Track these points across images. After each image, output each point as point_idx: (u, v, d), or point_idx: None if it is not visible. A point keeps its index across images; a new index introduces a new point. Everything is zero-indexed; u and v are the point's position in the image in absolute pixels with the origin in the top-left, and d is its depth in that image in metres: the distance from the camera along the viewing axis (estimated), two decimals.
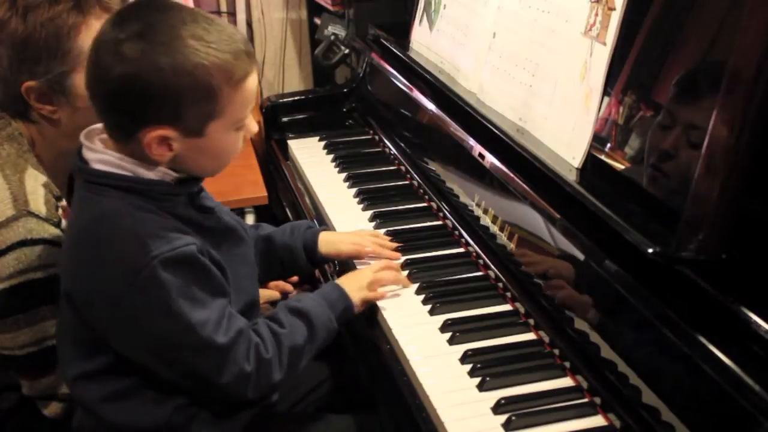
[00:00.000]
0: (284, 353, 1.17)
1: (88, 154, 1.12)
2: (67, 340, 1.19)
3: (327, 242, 1.45)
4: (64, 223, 1.28)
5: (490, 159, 1.41)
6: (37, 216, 1.24)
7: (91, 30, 1.23)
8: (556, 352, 1.19)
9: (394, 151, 1.91)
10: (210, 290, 1.10)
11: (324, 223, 1.67)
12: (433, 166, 1.71)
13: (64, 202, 1.31)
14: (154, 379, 1.15)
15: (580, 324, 1.14)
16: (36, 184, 1.27)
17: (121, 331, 1.10)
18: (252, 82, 1.11)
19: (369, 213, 1.65)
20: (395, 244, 1.49)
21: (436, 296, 1.33)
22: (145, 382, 1.15)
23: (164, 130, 1.06)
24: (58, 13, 1.23)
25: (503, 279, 1.35)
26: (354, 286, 1.31)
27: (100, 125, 1.13)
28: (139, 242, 1.05)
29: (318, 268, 1.55)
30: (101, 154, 1.10)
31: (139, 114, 1.05)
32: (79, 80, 1.24)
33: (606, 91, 1.18)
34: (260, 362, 1.14)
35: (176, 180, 1.13)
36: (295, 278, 1.56)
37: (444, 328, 1.26)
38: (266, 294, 1.51)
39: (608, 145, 1.18)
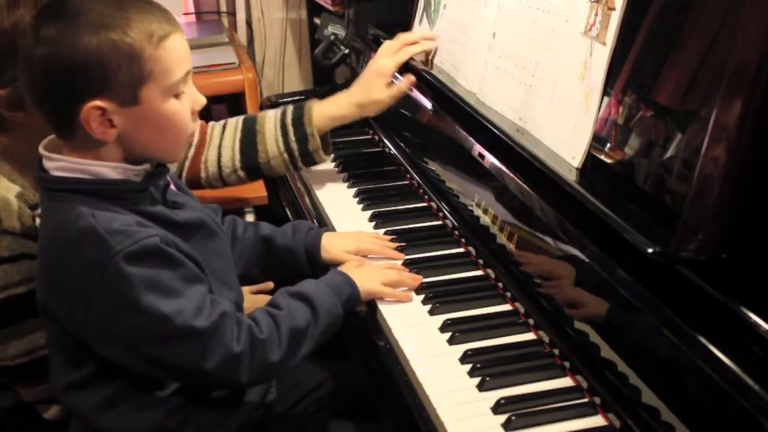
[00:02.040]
0: (283, 334, 1.15)
1: (47, 164, 1.11)
2: (55, 351, 1.18)
3: (329, 246, 1.44)
4: None
5: (490, 159, 1.41)
6: (12, 233, 1.22)
7: None
8: (556, 352, 1.19)
9: (394, 151, 1.91)
10: (182, 278, 1.09)
11: (324, 223, 1.66)
12: (433, 166, 1.71)
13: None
14: (143, 383, 1.14)
15: (580, 324, 1.14)
16: (8, 196, 1.24)
17: (98, 335, 1.09)
18: (177, 42, 1.09)
19: (369, 213, 1.65)
20: (396, 244, 1.49)
21: (436, 296, 1.33)
22: (134, 386, 1.14)
23: (98, 100, 1.05)
24: (20, 17, 1.21)
25: (503, 279, 1.35)
26: (360, 275, 1.30)
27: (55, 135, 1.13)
28: (100, 241, 1.04)
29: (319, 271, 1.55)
30: (59, 162, 1.10)
31: (68, 91, 1.05)
32: None
33: (606, 91, 1.18)
34: (254, 343, 1.12)
35: (141, 175, 1.12)
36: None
37: (444, 328, 1.26)
38: (256, 299, 1.50)
39: (608, 145, 1.18)
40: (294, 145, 1.63)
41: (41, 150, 1.12)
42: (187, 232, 1.17)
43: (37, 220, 1.27)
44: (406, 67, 1.85)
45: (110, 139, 1.08)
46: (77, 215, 1.07)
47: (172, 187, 1.22)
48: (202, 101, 1.16)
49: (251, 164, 1.64)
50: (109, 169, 1.10)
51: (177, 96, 1.11)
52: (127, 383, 1.14)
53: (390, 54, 1.69)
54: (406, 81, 1.68)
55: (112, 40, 1.03)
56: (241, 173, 1.65)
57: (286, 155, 1.64)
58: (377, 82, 1.66)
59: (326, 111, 1.66)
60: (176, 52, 1.09)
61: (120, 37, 1.04)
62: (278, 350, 1.15)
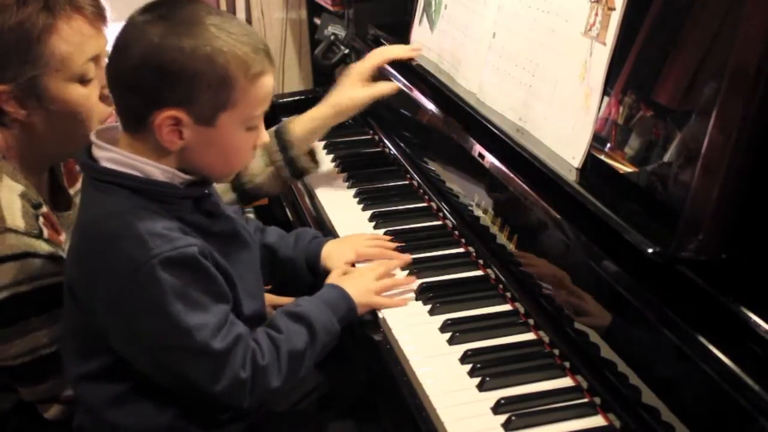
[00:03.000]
0: (283, 359, 1.16)
1: (97, 153, 1.12)
2: (70, 339, 1.19)
3: (329, 257, 1.43)
4: (46, 232, 1.26)
5: (490, 159, 1.41)
6: (15, 231, 1.22)
7: (62, 33, 1.22)
8: (556, 352, 1.19)
9: (394, 151, 1.91)
10: (211, 294, 1.10)
11: (324, 223, 1.66)
12: (433, 166, 1.71)
13: (45, 209, 1.29)
14: (156, 384, 1.14)
15: (580, 324, 1.14)
16: (12, 196, 1.25)
17: (118, 329, 1.10)
18: (268, 82, 1.12)
19: (369, 213, 1.65)
20: (396, 244, 1.49)
21: (436, 296, 1.33)
22: (147, 386, 1.14)
23: (177, 111, 1.06)
24: (28, 16, 1.21)
25: (503, 279, 1.35)
26: (356, 289, 1.30)
27: (110, 125, 1.14)
28: (141, 240, 1.05)
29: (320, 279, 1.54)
30: (111, 153, 1.11)
31: (153, 93, 1.06)
32: (52, 84, 1.23)
33: (606, 91, 1.18)
34: (256, 369, 1.13)
35: (185, 183, 1.13)
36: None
37: (444, 328, 1.26)
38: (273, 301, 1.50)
39: (608, 145, 1.18)
40: (277, 156, 1.63)
41: (93, 138, 1.13)
42: (223, 242, 1.17)
43: (41, 219, 1.27)
44: (406, 68, 1.85)
45: (175, 149, 1.10)
46: (121, 210, 1.08)
47: (213, 197, 1.23)
48: (265, 139, 1.17)
49: (238, 185, 1.63)
50: (158, 170, 1.10)
51: (249, 129, 1.13)
52: (139, 381, 1.14)
53: (367, 59, 1.73)
54: (387, 86, 1.70)
55: (212, 60, 1.05)
56: (233, 195, 1.64)
57: (271, 168, 1.64)
58: (352, 82, 1.69)
59: (303, 117, 1.68)
60: (264, 91, 1.12)
61: (220, 60, 1.05)
62: (278, 376, 1.15)
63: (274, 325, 1.21)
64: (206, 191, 1.19)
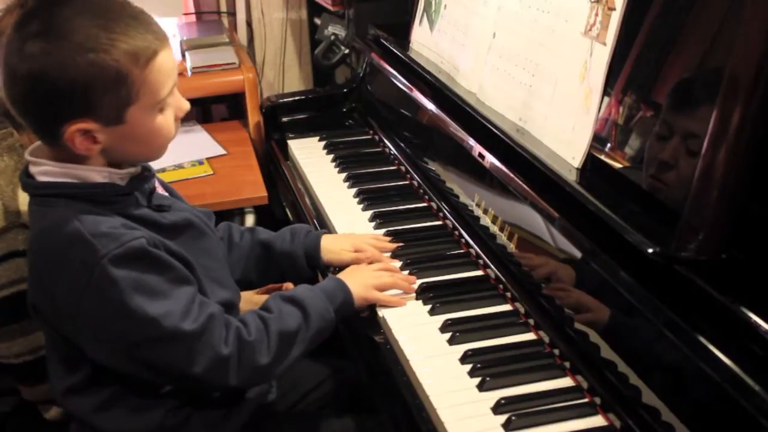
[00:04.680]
0: (272, 336, 1.15)
1: (33, 169, 1.11)
2: (52, 356, 1.18)
3: (329, 250, 1.44)
4: None
5: (490, 159, 1.41)
6: (27, 227, 1.23)
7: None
8: (556, 352, 1.19)
9: (394, 151, 1.91)
10: (170, 280, 1.09)
11: (324, 224, 1.67)
12: (433, 166, 1.71)
13: None
14: (140, 385, 1.14)
15: (580, 324, 1.14)
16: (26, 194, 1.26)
17: (88, 336, 1.09)
18: (164, 59, 1.07)
19: (369, 213, 1.65)
20: (395, 245, 1.49)
21: (436, 296, 1.33)
22: (132, 388, 1.14)
23: (82, 123, 1.04)
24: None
25: (503, 279, 1.35)
26: (355, 281, 1.30)
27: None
28: (87, 244, 1.04)
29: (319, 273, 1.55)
30: (44, 166, 1.09)
31: (52, 111, 1.04)
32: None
33: (606, 91, 1.18)
34: (241, 345, 1.12)
35: (126, 178, 1.12)
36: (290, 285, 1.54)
37: (444, 328, 1.26)
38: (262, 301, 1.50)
39: (608, 145, 1.18)
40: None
41: (27, 156, 1.12)
42: (175, 233, 1.16)
43: None
44: (407, 68, 1.85)
45: (94, 154, 1.08)
46: (63, 219, 1.06)
47: (159, 190, 1.22)
48: (186, 107, 1.14)
49: None
50: (94, 172, 1.09)
51: (161, 110, 1.10)
52: (124, 385, 1.14)
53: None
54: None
55: (99, 64, 1.01)
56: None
57: None
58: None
59: None
60: (163, 71, 1.07)
61: (106, 60, 1.01)
62: (267, 353, 1.15)
63: (265, 307, 1.21)
64: (151, 187, 1.18)
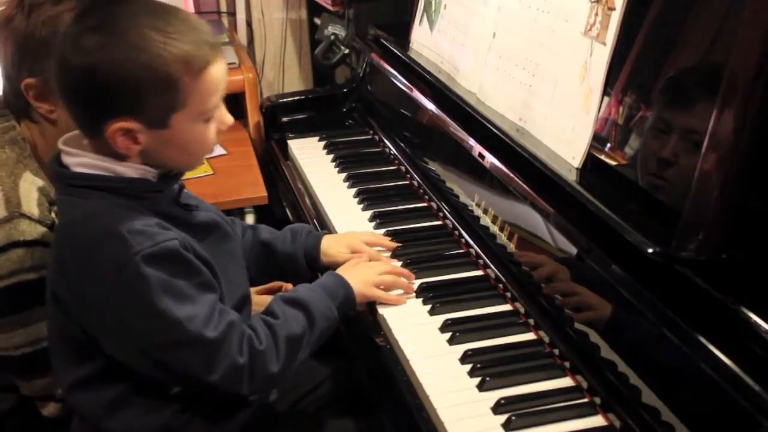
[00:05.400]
0: (280, 343, 1.15)
1: (67, 159, 1.11)
2: (59, 347, 1.18)
3: (328, 250, 1.43)
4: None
5: (490, 159, 1.41)
6: (29, 218, 1.23)
7: None
8: (556, 352, 1.19)
9: (394, 151, 1.91)
10: (197, 285, 1.09)
11: (324, 224, 1.67)
12: (433, 166, 1.71)
13: None
14: (149, 384, 1.14)
15: (580, 324, 1.14)
16: (31, 187, 1.27)
17: (110, 331, 1.09)
18: (216, 71, 1.08)
19: (369, 213, 1.65)
20: (395, 245, 1.49)
21: (436, 296, 1.33)
22: (140, 387, 1.14)
23: (126, 122, 1.05)
24: (60, 13, 1.23)
25: (503, 279, 1.35)
26: (356, 278, 1.30)
27: (77, 132, 1.13)
28: (121, 239, 1.04)
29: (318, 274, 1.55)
30: (80, 157, 1.10)
31: (99, 106, 1.05)
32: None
33: (606, 91, 1.18)
34: (253, 354, 1.12)
35: (158, 176, 1.12)
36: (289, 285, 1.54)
37: (444, 328, 1.26)
38: (262, 300, 1.50)
39: (608, 145, 1.18)
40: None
41: (61, 145, 1.12)
42: (202, 234, 1.17)
43: (53, 214, 1.27)
44: (407, 68, 1.85)
45: (133, 154, 1.09)
46: (97, 212, 1.07)
47: (186, 189, 1.23)
48: (230, 121, 1.15)
49: None
50: (128, 168, 1.10)
51: (206, 120, 1.11)
52: (132, 384, 1.14)
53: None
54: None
55: (151, 66, 1.02)
56: None
57: None
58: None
59: None
60: (214, 82, 1.08)
61: (159, 63, 1.02)
62: (277, 361, 1.15)
63: (270, 311, 1.20)
64: (180, 185, 1.18)
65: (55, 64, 1.07)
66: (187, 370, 1.09)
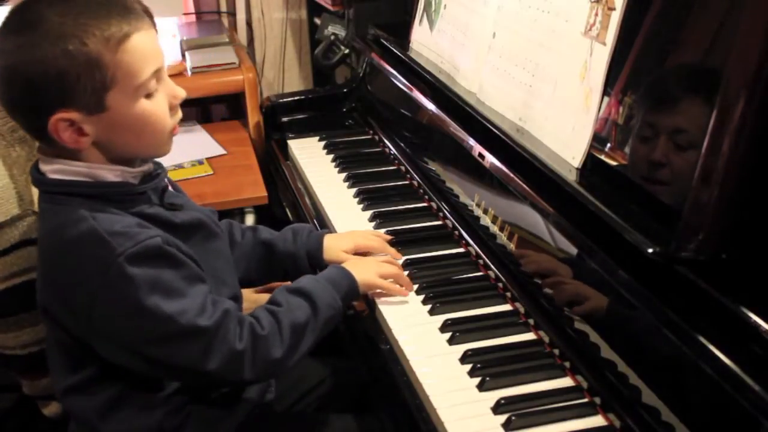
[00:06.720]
0: (284, 329, 1.15)
1: (43, 167, 1.10)
2: (55, 353, 1.18)
3: (331, 249, 1.43)
4: None
5: (490, 159, 1.41)
6: (36, 214, 1.24)
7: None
8: (556, 352, 1.19)
9: (394, 151, 1.91)
10: (184, 278, 1.09)
11: (324, 223, 1.67)
12: (433, 166, 1.71)
13: None
14: (143, 385, 1.14)
15: (580, 324, 1.14)
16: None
17: (102, 335, 1.09)
18: (138, 41, 1.04)
19: (369, 213, 1.65)
20: (394, 250, 1.49)
21: (436, 296, 1.33)
22: (134, 388, 1.14)
23: (63, 113, 1.03)
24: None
25: (503, 279, 1.35)
26: (358, 268, 1.30)
27: None
28: (102, 243, 1.04)
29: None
30: (56, 164, 1.09)
31: (32, 105, 1.03)
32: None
33: (606, 91, 1.18)
34: (255, 340, 1.12)
35: (138, 177, 1.12)
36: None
37: (444, 328, 1.26)
38: (261, 299, 1.50)
39: (608, 145, 1.18)
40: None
41: (37, 153, 1.12)
42: (187, 233, 1.17)
43: None
44: (407, 68, 1.85)
45: (84, 147, 1.07)
46: (78, 218, 1.06)
47: (170, 188, 1.22)
48: (181, 94, 1.12)
49: None
50: (107, 171, 1.09)
51: (149, 96, 1.08)
52: (126, 385, 1.14)
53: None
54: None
55: (69, 51, 1.00)
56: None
57: None
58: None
59: None
60: (139, 53, 1.05)
61: (76, 46, 1.00)
62: (280, 346, 1.14)
63: (274, 300, 1.20)
64: (164, 184, 1.18)
65: None
66: (184, 363, 1.09)
